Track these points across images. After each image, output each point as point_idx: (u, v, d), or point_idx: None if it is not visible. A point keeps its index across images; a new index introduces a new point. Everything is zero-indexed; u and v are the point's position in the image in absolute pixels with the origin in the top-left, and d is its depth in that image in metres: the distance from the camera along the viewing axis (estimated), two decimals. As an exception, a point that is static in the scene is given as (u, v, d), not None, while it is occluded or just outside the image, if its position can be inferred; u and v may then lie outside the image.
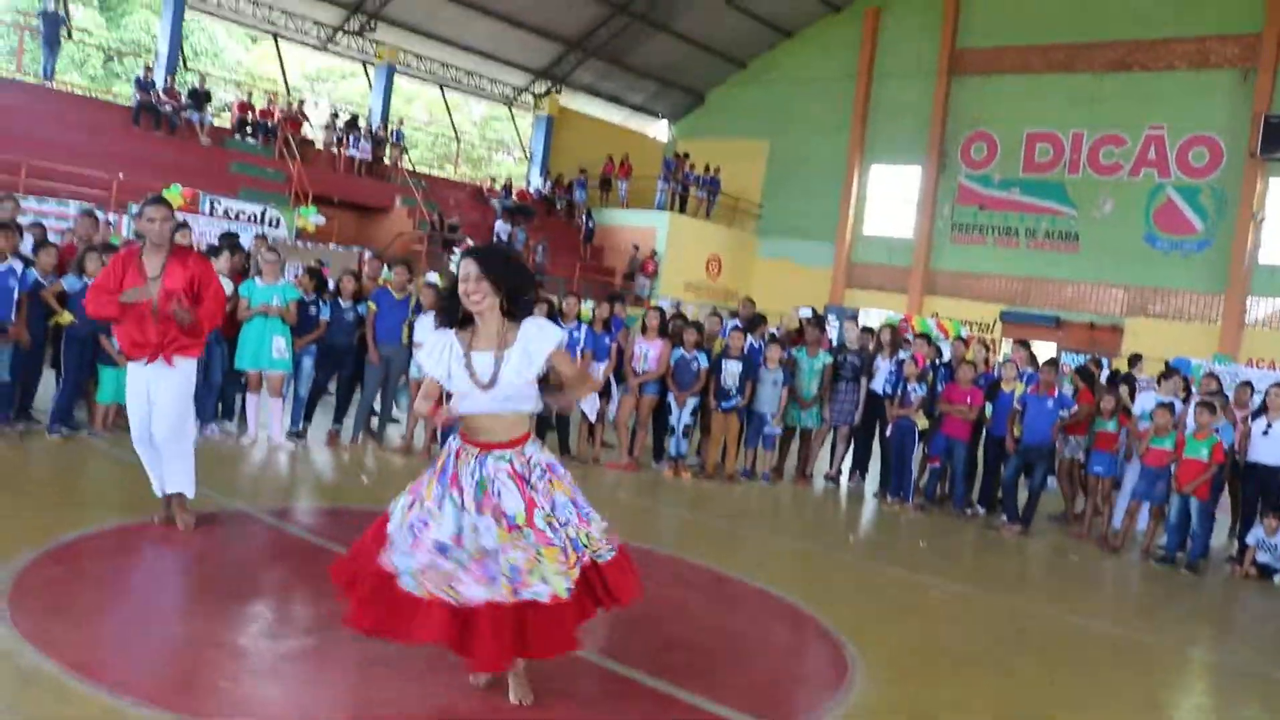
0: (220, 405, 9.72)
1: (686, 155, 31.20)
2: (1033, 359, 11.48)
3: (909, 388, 10.72)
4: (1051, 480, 10.55)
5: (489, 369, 3.82)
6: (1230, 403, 10.69)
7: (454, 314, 3.90)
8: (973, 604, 7.21)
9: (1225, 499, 10.31)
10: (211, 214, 19.90)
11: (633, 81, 32.39)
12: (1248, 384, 11.49)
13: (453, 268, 4.30)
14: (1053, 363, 10.65)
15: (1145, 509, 9.83)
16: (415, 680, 4.16)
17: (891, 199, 30.03)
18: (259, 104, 25.58)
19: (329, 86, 37.81)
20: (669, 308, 14.31)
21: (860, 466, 11.93)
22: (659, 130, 34.85)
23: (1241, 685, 6.22)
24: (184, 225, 8.93)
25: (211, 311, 6.15)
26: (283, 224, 21.22)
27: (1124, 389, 11.16)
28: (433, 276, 11.32)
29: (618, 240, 29.85)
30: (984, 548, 9.41)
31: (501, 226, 26.95)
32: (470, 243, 22.62)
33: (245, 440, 9.48)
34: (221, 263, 9.24)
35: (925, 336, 11.75)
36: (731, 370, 10.57)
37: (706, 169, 30.99)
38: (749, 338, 11.15)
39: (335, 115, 26.38)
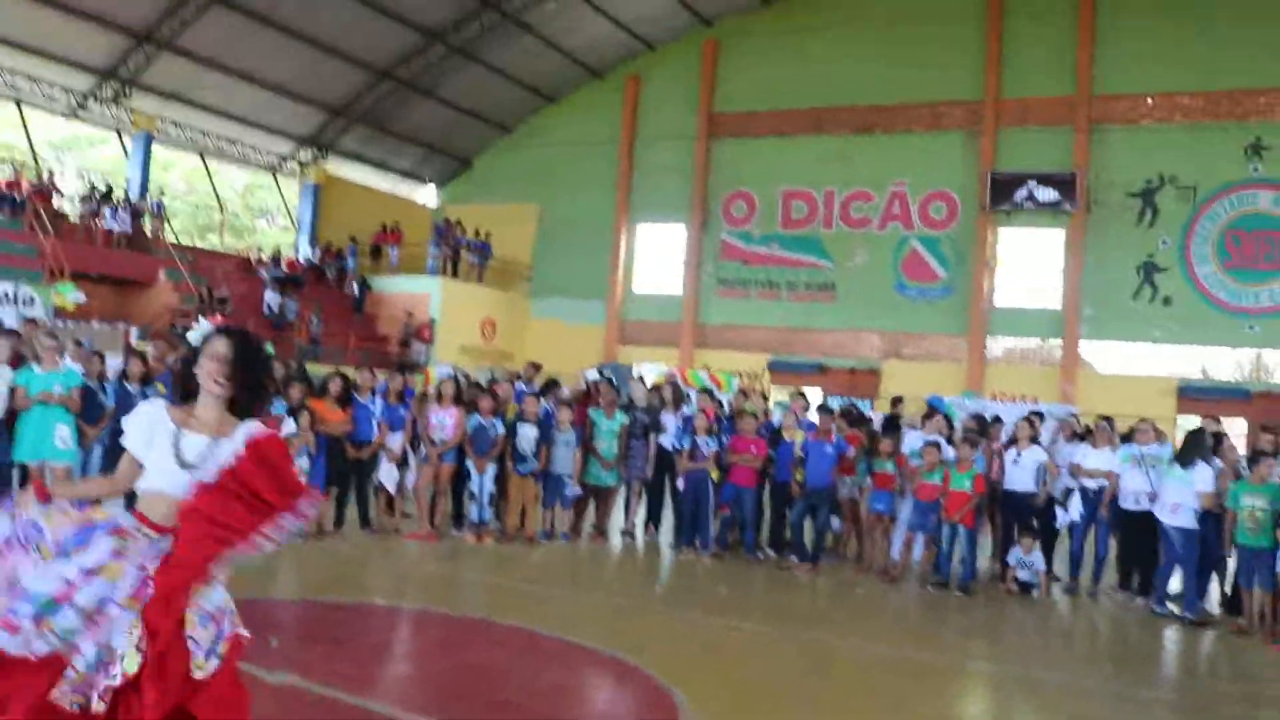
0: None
1: (457, 221, 31.36)
2: (807, 408, 12.25)
3: (699, 441, 11.24)
4: (835, 520, 11.23)
5: (200, 451, 3.58)
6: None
7: (187, 387, 3.73)
8: (777, 641, 7.69)
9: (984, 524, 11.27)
10: (-45, 295, 18.68)
11: (399, 147, 32.37)
12: (997, 418, 12.60)
13: (192, 336, 3.97)
14: (828, 410, 11.42)
15: (919, 539, 10.63)
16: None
17: (659, 256, 31.04)
18: (4, 175, 24.18)
19: (77, 154, 36.03)
20: (446, 373, 14.36)
21: (653, 519, 12.37)
22: (427, 196, 34.87)
23: (1016, 690, 6.90)
24: None
25: None
26: (38, 302, 20.07)
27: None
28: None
29: (391, 307, 29.61)
30: (779, 587, 9.96)
31: (272, 297, 26.36)
32: (220, 318, 22.08)
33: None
34: (-4, 351, 8.86)
35: (709, 393, 12.35)
36: (527, 435, 10.83)
37: (477, 233, 31.22)
38: (542, 401, 11.42)
39: (93, 187, 25.20)
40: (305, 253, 30.52)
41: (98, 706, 3.21)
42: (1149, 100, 24.67)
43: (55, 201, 24.49)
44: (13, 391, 8.93)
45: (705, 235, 29.78)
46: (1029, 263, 26.00)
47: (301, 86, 28.10)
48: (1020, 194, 25.47)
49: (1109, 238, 24.85)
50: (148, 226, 25.93)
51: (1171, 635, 8.98)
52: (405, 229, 31.66)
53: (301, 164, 30.83)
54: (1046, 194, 25.21)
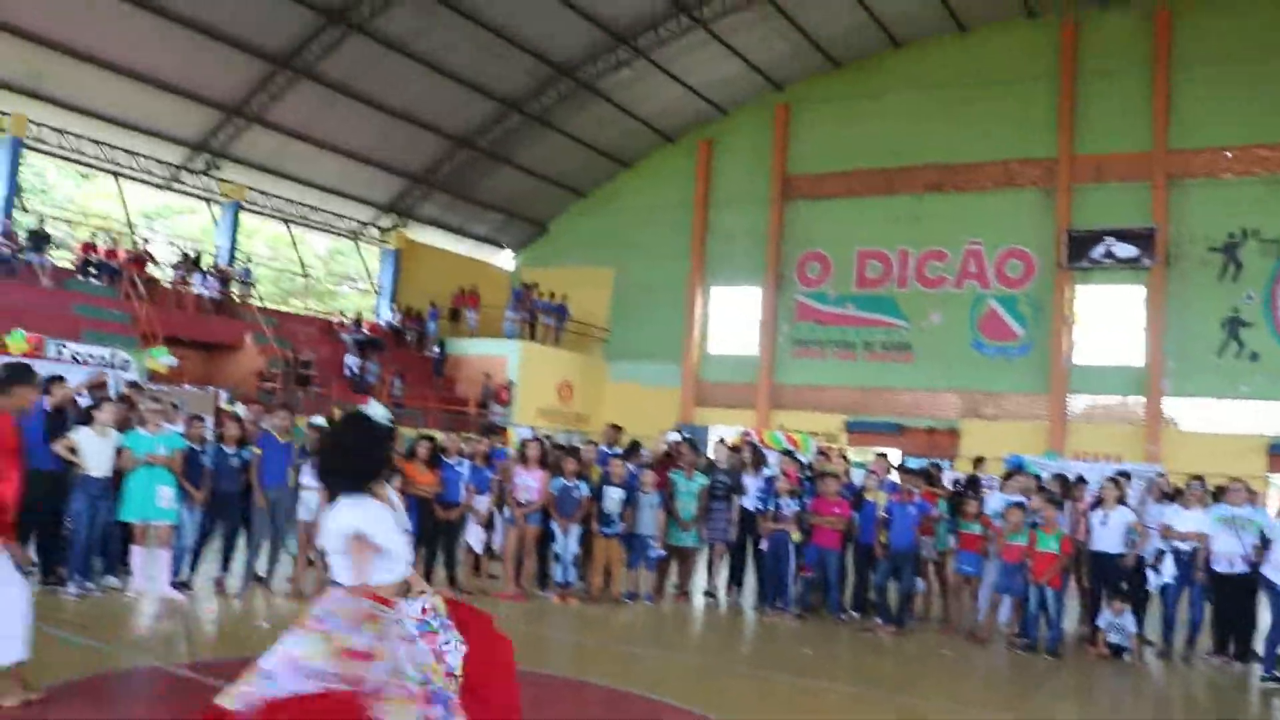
0: (104, 559, 9.58)
1: (535, 284, 31.86)
2: (889, 469, 12.25)
3: (781, 502, 11.29)
4: (919, 581, 11.17)
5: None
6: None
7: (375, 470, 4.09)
8: (864, 703, 7.68)
9: (1071, 585, 11.14)
10: (58, 358, 19.40)
11: (477, 213, 33.05)
12: (1080, 478, 12.48)
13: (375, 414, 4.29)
14: (911, 471, 11.41)
15: (1006, 600, 10.55)
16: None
17: (734, 318, 31.17)
18: (103, 244, 25.15)
19: (167, 223, 37.29)
20: (527, 435, 14.62)
21: (735, 580, 12.41)
22: (504, 260, 35.48)
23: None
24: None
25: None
26: (132, 366, 20.79)
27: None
28: (319, 419, 11.45)
29: (469, 369, 30.08)
30: (864, 649, 9.93)
31: (352, 360, 26.95)
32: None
33: (131, 593, 9.34)
34: (105, 414, 9.25)
35: (789, 454, 12.41)
36: (614, 496, 10.98)
37: (552, 296, 31.68)
38: (627, 464, 11.57)
39: (185, 256, 26.09)
40: (385, 316, 31.17)
41: None
42: (1228, 154, 24.39)
43: (149, 269, 25.38)
44: (119, 453, 9.30)
45: (780, 296, 29.88)
46: (1109, 319, 25.66)
47: (382, 155, 28.92)
48: (1098, 250, 25.24)
49: (1191, 293, 24.49)
50: (235, 292, 26.76)
51: (1270, 701, 8.79)
52: (483, 292, 32.23)
53: (382, 230, 31.62)
54: (1125, 250, 24.95)
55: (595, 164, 32.63)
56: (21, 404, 5.88)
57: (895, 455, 24.41)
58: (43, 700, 5.73)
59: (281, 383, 24.21)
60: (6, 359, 12.23)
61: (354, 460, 3.95)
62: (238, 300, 26.69)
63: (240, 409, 18.05)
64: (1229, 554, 9.99)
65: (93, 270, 24.11)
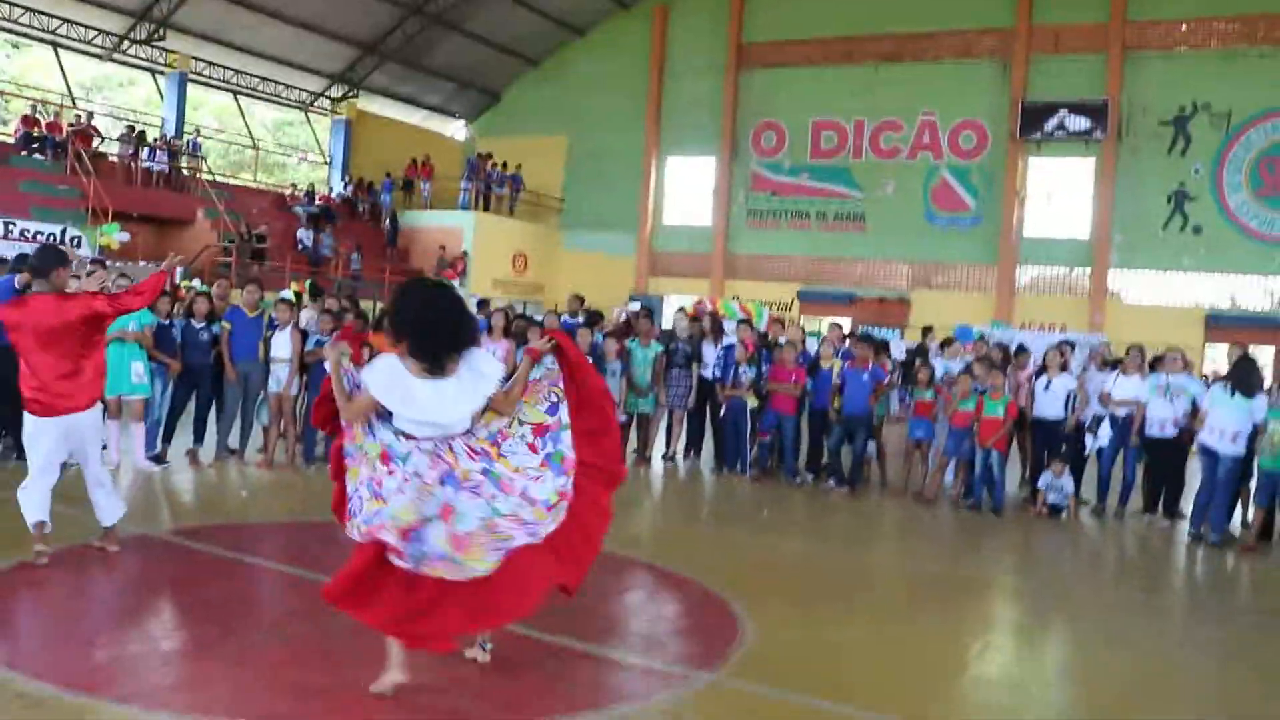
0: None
1: (489, 155, 31.58)
2: (844, 337, 12.61)
3: (739, 370, 11.63)
4: (871, 445, 11.61)
5: (433, 402, 4.19)
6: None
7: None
8: (823, 558, 8.15)
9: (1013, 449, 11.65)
10: (6, 236, 19.16)
11: (429, 83, 32.49)
12: (1022, 346, 12.87)
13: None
14: (866, 339, 11.77)
15: (952, 463, 11.04)
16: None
17: (689, 188, 31.17)
18: (44, 118, 24.53)
19: (107, 94, 36.27)
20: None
21: (694, 446, 12.82)
22: (456, 130, 35.05)
23: (1049, 601, 7.33)
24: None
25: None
26: (85, 243, 20.56)
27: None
28: (287, 293, 11.51)
29: (423, 241, 29.98)
30: (820, 509, 10.40)
31: (305, 233, 26.76)
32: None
33: (107, 467, 9.51)
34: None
35: (747, 323, 12.71)
36: (579, 364, 11.22)
37: (505, 166, 31.45)
38: (592, 333, 11.82)
39: (131, 128, 25.53)
40: (338, 188, 30.84)
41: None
42: (1184, 26, 24.51)
43: (94, 143, 24.85)
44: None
45: (735, 166, 29.89)
46: (1059, 192, 26.04)
47: (332, 23, 28.24)
48: (1051, 123, 25.45)
49: (1140, 166, 24.85)
50: (184, 166, 26.32)
51: (1194, 553, 9.38)
52: (435, 163, 31.92)
53: (332, 100, 31.05)
54: (1078, 122, 25.18)
55: (548, 31, 32.06)
56: (61, 285, 6.15)
57: (846, 324, 24.96)
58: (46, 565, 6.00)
59: (236, 256, 24.04)
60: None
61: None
62: (187, 174, 26.27)
63: (196, 284, 18.08)
64: (1162, 419, 10.49)
65: (35, 145, 23.56)
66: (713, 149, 30.20)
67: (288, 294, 11.38)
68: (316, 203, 28.70)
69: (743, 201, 30.01)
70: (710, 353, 12.43)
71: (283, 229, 26.80)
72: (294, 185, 30.28)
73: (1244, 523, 10.14)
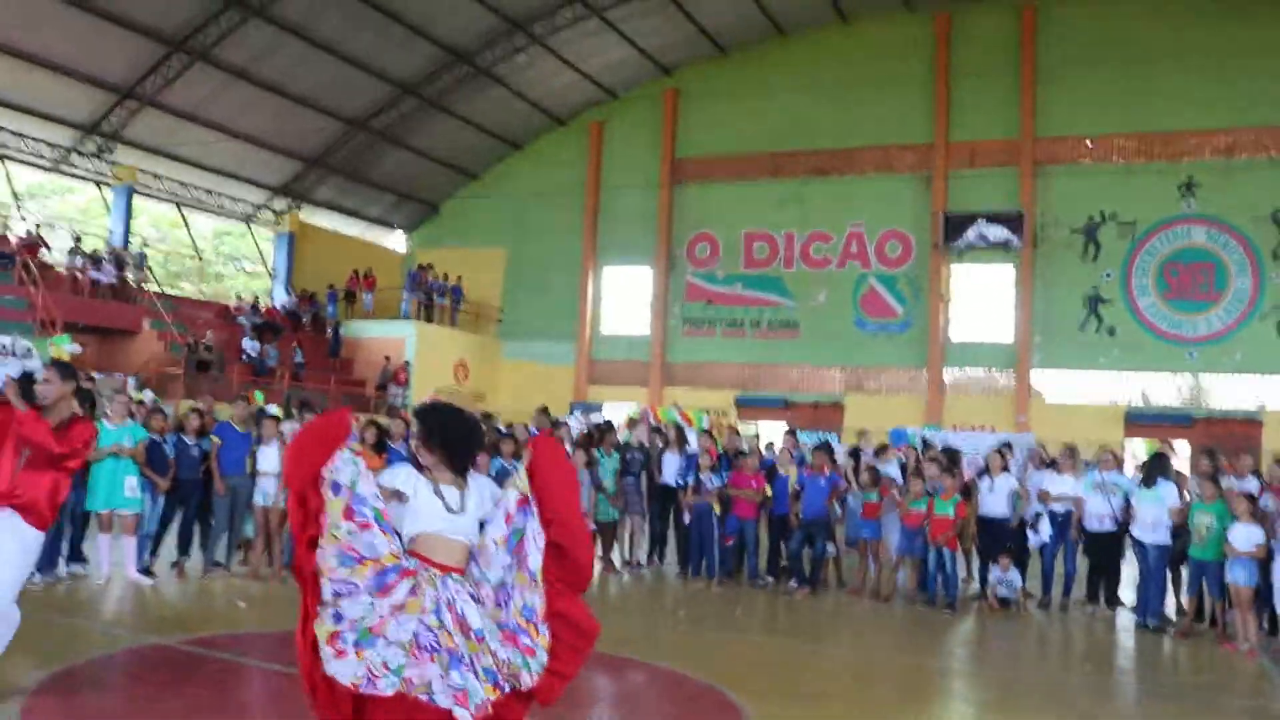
0: (69, 547, 10.02)
1: (430, 265, 32.25)
2: (798, 445, 13.34)
3: (703, 478, 12.26)
4: (830, 546, 12.26)
5: (457, 499, 4.45)
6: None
7: (415, 459, 4.67)
8: (800, 654, 8.73)
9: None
10: (-43, 349, 19.25)
11: (370, 195, 33.25)
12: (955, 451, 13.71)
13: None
14: (824, 448, 12.50)
15: (905, 562, 11.73)
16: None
17: (626, 298, 32.10)
18: (-6, 231, 24.73)
19: (42, 202, 36.39)
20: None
21: (657, 551, 13.37)
22: (397, 241, 35.73)
23: (1012, 686, 7.98)
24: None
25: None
26: (34, 353, 20.68)
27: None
28: (273, 408, 11.93)
29: (366, 351, 30.38)
30: (787, 609, 10.99)
31: (250, 344, 27.04)
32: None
33: (98, 580, 9.80)
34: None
35: (709, 433, 13.39)
36: (554, 475, 11.77)
37: (446, 277, 32.12)
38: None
39: (78, 240, 25.76)
40: (281, 299, 31.20)
41: None
42: (1088, 142, 26.31)
43: (41, 254, 25.02)
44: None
45: (671, 276, 30.92)
46: (982, 297, 27.44)
47: (277, 138, 28.97)
48: (971, 232, 26.91)
49: (1055, 272, 26.37)
50: (130, 277, 26.56)
51: (1136, 639, 10.14)
52: (376, 274, 32.49)
53: (276, 213, 31.58)
54: (996, 232, 26.68)
55: (486, 146, 33.12)
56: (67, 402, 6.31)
57: (781, 428, 25.79)
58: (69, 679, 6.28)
59: (184, 368, 24.25)
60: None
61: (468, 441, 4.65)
62: (133, 285, 26.51)
63: (148, 396, 18.32)
64: (1100, 514, 11.33)
65: (-17, 258, 23.71)
66: (648, 259, 31.22)
67: (274, 409, 11.80)
68: (261, 313, 29.03)
69: (679, 311, 30.97)
70: (673, 461, 13.06)
71: (227, 339, 27.06)
72: (238, 296, 30.60)
73: (1178, 609, 10.94)
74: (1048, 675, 8.73)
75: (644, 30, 28.99)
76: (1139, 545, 10.75)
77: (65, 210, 35.19)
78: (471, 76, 29.06)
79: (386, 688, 4.01)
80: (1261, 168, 24.78)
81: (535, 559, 4.40)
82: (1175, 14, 25.62)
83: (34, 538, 5.83)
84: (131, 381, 21.40)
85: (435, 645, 4.09)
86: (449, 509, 4.38)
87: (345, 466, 4.21)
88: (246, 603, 9.66)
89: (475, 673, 4.13)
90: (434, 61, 28.29)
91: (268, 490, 10.60)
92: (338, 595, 4.07)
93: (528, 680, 4.24)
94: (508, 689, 4.22)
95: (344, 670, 4.01)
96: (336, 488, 4.16)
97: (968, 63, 27.56)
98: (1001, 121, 27.06)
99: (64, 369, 6.24)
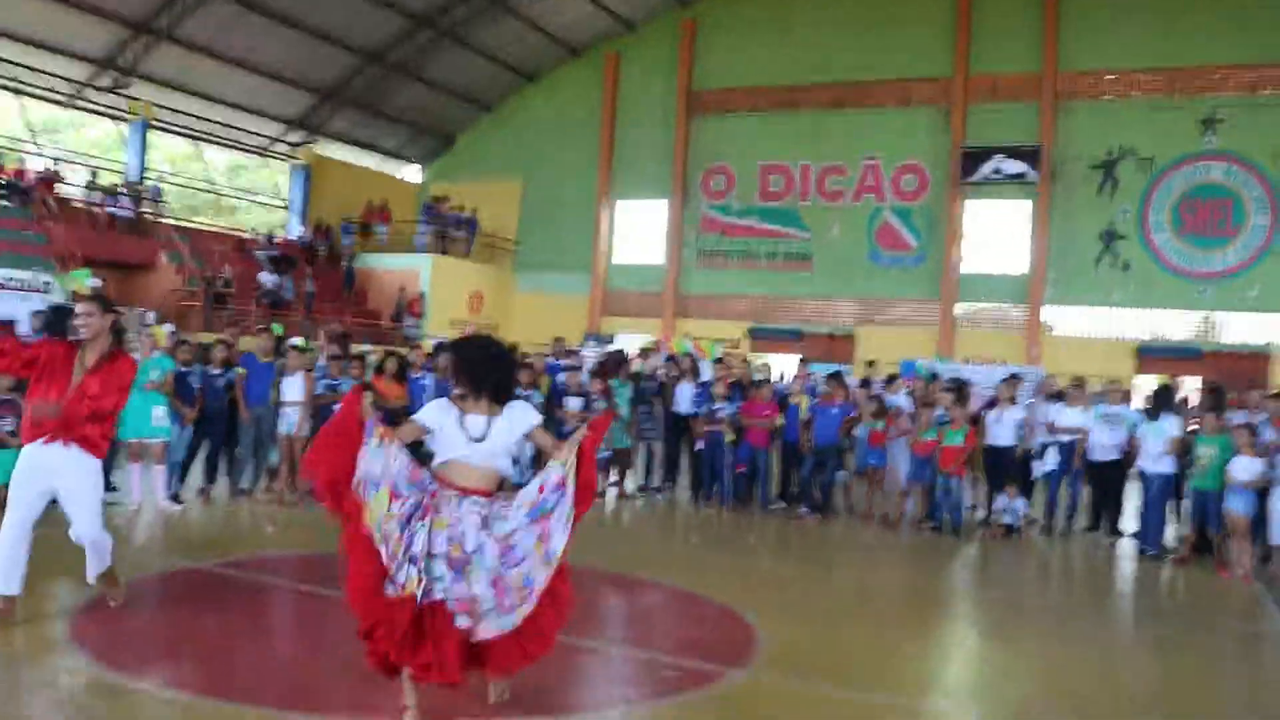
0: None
1: (445, 198, 32.31)
2: (811, 375, 13.57)
3: (716, 406, 12.51)
4: (840, 474, 12.52)
5: (481, 428, 4.79)
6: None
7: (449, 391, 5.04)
8: (810, 576, 9.05)
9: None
10: (-21, 283, 19.54)
11: (385, 128, 33.22)
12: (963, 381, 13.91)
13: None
14: (836, 376, 12.72)
15: (914, 489, 12.00)
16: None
17: (641, 230, 32.14)
18: (9, 164, 24.88)
19: (57, 137, 36.49)
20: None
21: (670, 478, 13.67)
22: (411, 173, 35.77)
23: (1013, 608, 8.27)
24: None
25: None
26: (55, 288, 20.96)
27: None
28: (296, 340, 12.17)
29: (380, 283, 30.60)
30: (798, 534, 11.28)
31: (268, 277, 27.24)
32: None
33: (130, 507, 10.11)
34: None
35: (721, 362, 13.62)
36: (572, 405, 12.06)
37: (462, 209, 32.19)
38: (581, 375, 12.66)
39: (95, 175, 25.92)
40: (297, 232, 31.35)
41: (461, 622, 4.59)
42: (1110, 76, 26.08)
43: (58, 189, 25.21)
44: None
45: (685, 208, 30.92)
46: (997, 232, 27.42)
47: (292, 71, 28.92)
48: (988, 167, 26.81)
49: (1072, 207, 26.29)
50: (147, 211, 26.75)
51: (1135, 566, 10.40)
52: (392, 207, 32.60)
53: (291, 145, 31.64)
54: (1013, 166, 26.57)
55: (502, 78, 32.97)
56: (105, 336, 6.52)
57: (795, 360, 25.99)
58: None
59: (202, 301, 24.51)
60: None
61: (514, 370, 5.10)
62: (150, 219, 26.70)
63: (167, 329, 18.62)
64: (1104, 445, 11.55)
65: (2, 191, 23.89)
66: (664, 192, 31.20)
67: (297, 341, 12.05)
68: (276, 247, 29.19)
69: (693, 242, 31.02)
70: (687, 390, 13.31)
71: (243, 273, 27.27)
72: (254, 229, 30.75)
73: (1177, 537, 11.21)
74: (1048, 598, 9.04)
75: (661, -40, 28.75)
76: (1142, 475, 10.99)
77: (79, 145, 35.25)
78: (487, 7, 28.86)
79: (438, 593, 4.57)
80: (1285, 104, 24.61)
81: (559, 540, 4.76)
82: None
83: (98, 468, 6.19)
84: (151, 315, 21.66)
85: (449, 558, 4.59)
86: (471, 438, 4.73)
87: (374, 460, 4.64)
88: (274, 527, 9.97)
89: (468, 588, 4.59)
90: (449, -8, 28.16)
91: (292, 419, 10.89)
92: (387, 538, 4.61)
93: (485, 629, 4.63)
94: (464, 624, 4.61)
95: (401, 579, 4.56)
96: (375, 484, 4.62)
97: (990, -7, 27.33)
98: (1023, 54, 26.79)
99: (104, 302, 6.38)
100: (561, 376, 12.81)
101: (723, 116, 30.53)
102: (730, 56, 30.32)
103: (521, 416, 4.92)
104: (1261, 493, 9.78)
